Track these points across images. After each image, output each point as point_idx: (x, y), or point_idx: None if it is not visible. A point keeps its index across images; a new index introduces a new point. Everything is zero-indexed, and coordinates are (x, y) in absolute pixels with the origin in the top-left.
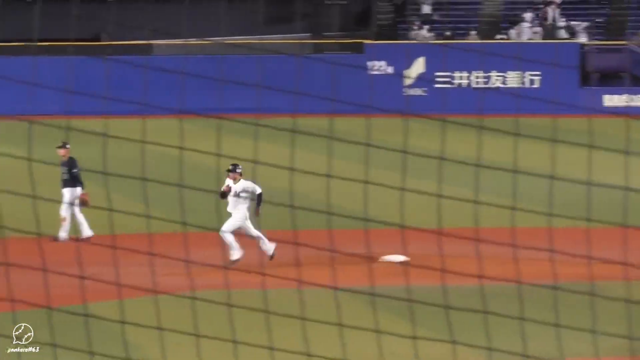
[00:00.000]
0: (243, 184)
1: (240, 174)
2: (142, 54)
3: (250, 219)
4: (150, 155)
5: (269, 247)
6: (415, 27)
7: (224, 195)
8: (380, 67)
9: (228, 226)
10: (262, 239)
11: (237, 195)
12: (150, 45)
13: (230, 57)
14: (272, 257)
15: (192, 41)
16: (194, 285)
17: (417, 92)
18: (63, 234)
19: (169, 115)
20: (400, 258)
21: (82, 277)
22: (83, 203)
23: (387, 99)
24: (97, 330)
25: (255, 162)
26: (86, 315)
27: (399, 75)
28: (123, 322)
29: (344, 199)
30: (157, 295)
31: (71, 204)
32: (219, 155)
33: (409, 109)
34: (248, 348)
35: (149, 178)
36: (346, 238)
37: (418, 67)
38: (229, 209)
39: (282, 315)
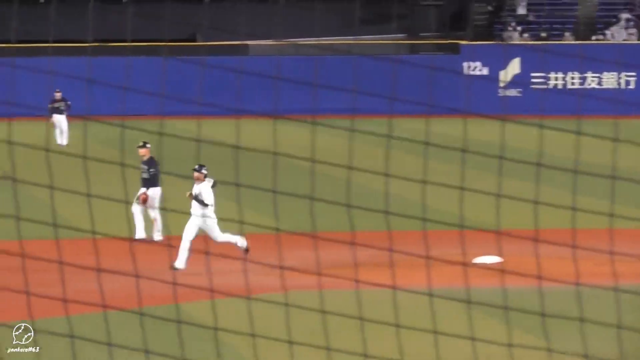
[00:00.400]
0: (203, 187)
1: (205, 176)
2: (238, 55)
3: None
4: (244, 156)
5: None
6: (511, 28)
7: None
8: (475, 67)
9: (216, 233)
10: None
11: (196, 198)
12: (245, 45)
13: (325, 57)
14: (175, 268)
15: (287, 41)
16: (286, 286)
17: (512, 93)
18: (157, 234)
19: (263, 117)
20: (494, 259)
21: (174, 284)
22: (143, 202)
23: (483, 100)
24: (190, 330)
25: (350, 167)
26: (179, 321)
27: (494, 76)
28: (216, 329)
29: (439, 200)
30: (250, 296)
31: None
32: (313, 160)
33: (504, 110)
34: (341, 345)
35: (243, 182)
36: (440, 239)
37: (513, 68)
38: (192, 211)
39: (376, 322)
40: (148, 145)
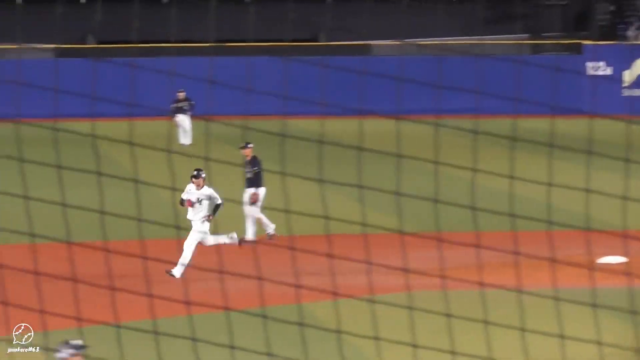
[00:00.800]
0: (206, 191)
1: (204, 180)
2: (360, 55)
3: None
4: (367, 156)
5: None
6: (635, 27)
7: (183, 203)
8: (599, 67)
9: (191, 240)
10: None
11: (198, 201)
12: (368, 45)
13: (448, 57)
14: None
15: (410, 42)
16: (410, 287)
17: (637, 93)
18: (269, 228)
19: (385, 117)
20: (619, 259)
21: (297, 286)
22: (253, 202)
23: (606, 100)
24: (313, 330)
25: (474, 169)
26: (301, 324)
27: (617, 76)
28: (339, 331)
29: (564, 201)
30: (373, 297)
31: (253, 202)
32: (436, 162)
33: (628, 110)
34: (465, 348)
35: (366, 183)
36: (565, 239)
37: (637, 68)
38: (188, 216)
39: (500, 325)
40: (250, 146)
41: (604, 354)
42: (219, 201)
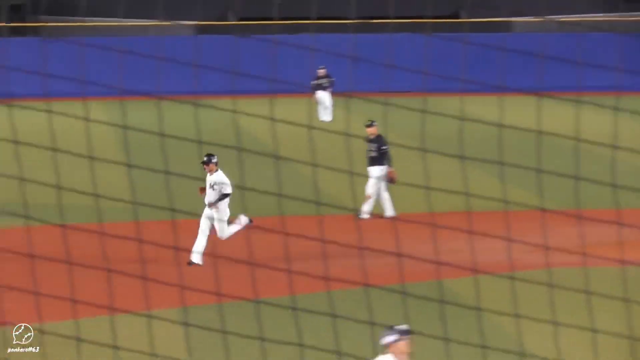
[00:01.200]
0: (218, 176)
1: (216, 164)
2: (501, 32)
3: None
4: (508, 133)
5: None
6: None
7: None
8: None
9: (223, 230)
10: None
11: (212, 187)
12: (509, 22)
13: (590, 34)
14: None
15: (551, 19)
16: (550, 264)
17: None
18: (365, 211)
19: (526, 94)
20: None
21: (437, 263)
22: (390, 180)
23: None
24: (453, 307)
25: (615, 146)
26: (441, 301)
27: None
28: (479, 309)
29: None
30: (513, 274)
31: (379, 181)
32: (577, 139)
33: None
34: (605, 325)
35: (506, 160)
36: None
37: None
38: (206, 200)
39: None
40: (375, 124)
41: None
42: (228, 190)
